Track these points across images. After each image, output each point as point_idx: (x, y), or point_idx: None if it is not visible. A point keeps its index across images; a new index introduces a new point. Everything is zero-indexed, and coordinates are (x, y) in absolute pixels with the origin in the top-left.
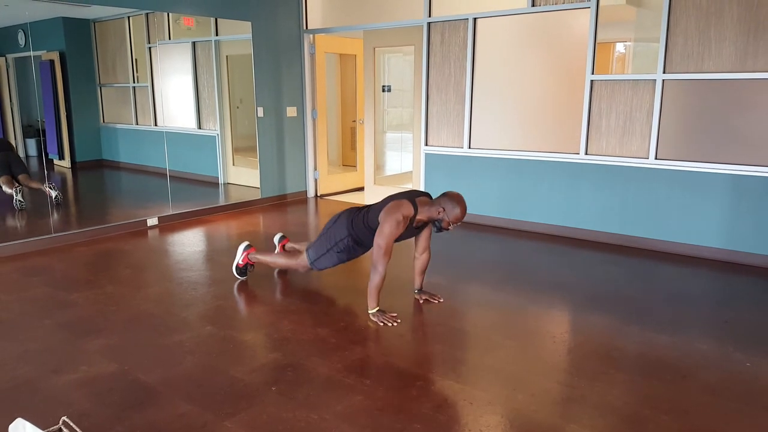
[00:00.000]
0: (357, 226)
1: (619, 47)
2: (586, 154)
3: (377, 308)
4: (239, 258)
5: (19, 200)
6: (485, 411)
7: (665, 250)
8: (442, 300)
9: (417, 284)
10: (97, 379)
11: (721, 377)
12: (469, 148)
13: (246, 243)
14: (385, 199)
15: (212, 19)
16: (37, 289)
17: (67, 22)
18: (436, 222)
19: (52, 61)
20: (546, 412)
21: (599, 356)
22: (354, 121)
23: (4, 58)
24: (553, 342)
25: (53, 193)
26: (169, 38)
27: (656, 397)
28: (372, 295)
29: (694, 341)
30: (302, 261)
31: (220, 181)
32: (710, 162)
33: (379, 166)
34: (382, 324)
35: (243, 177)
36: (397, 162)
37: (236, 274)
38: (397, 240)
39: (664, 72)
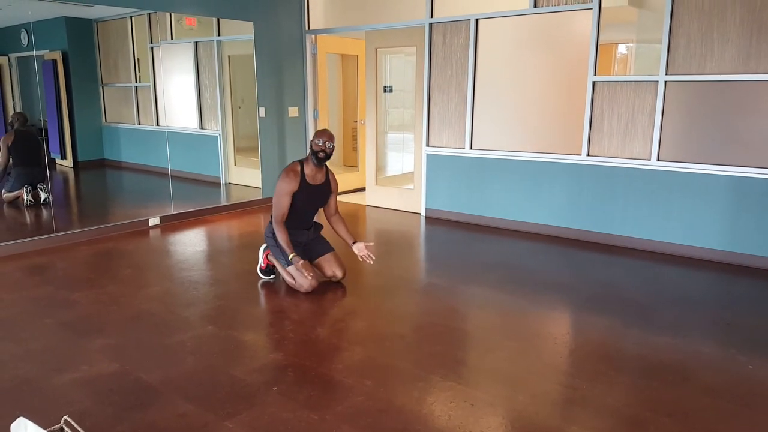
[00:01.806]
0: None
1: (621, 49)
2: (588, 155)
3: (292, 255)
4: (261, 261)
5: (30, 200)
6: (486, 412)
7: (667, 252)
8: (373, 259)
9: (347, 239)
10: (98, 379)
11: (722, 379)
12: (471, 149)
13: (265, 245)
14: None
15: (214, 20)
16: (38, 289)
17: (70, 21)
18: (313, 152)
19: (54, 61)
20: (547, 414)
21: (600, 358)
22: (355, 121)
23: (6, 57)
24: (554, 343)
25: (42, 195)
26: (172, 38)
27: (657, 399)
28: (284, 246)
29: (696, 343)
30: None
31: (222, 181)
32: (712, 164)
33: (380, 167)
34: (301, 270)
35: (244, 177)
36: (398, 163)
37: (261, 275)
38: (310, 207)
39: (666, 73)
